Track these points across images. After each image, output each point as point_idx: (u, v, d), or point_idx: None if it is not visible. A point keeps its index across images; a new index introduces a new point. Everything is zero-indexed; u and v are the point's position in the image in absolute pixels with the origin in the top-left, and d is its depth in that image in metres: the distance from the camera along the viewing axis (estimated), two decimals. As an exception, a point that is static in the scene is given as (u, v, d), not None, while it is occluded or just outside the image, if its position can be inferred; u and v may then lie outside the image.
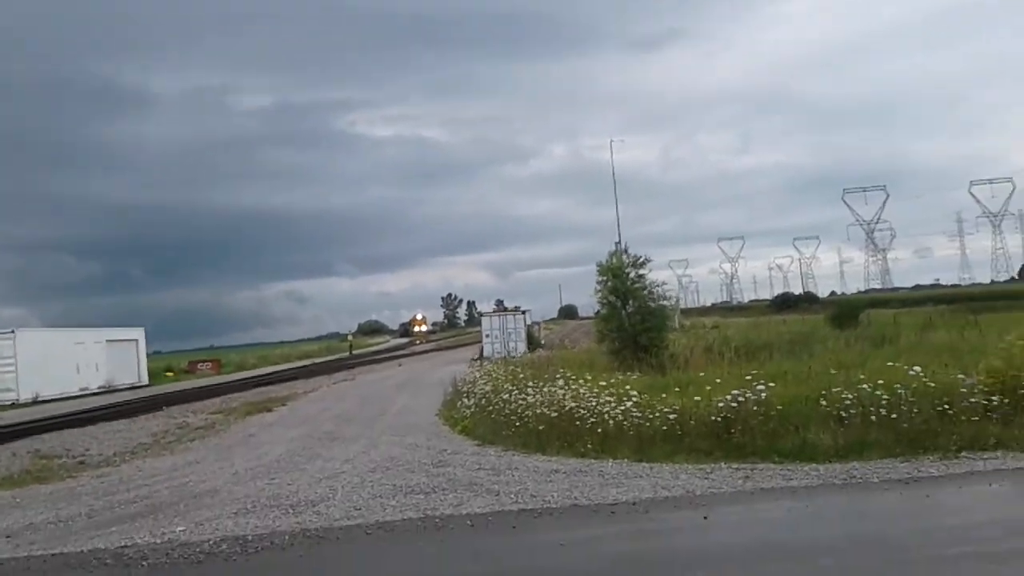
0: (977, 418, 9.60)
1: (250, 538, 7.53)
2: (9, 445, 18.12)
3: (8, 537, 8.53)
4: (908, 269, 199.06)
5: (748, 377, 11.29)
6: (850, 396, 10.28)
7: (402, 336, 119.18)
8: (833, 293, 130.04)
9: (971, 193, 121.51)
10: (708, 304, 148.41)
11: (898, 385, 10.09)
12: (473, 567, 6.68)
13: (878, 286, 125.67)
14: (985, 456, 9.00)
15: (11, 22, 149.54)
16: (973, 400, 9.76)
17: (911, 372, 10.33)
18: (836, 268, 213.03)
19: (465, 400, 17.71)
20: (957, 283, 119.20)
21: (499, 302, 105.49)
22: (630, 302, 24.90)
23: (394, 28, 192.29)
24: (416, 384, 28.77)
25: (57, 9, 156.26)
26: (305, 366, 49.98)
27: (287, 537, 7.52)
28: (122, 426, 21.37)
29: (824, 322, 39.73)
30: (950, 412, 9.71)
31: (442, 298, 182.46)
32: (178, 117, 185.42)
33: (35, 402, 32.78)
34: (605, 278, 25.44)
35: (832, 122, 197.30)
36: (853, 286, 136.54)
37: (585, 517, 7.64)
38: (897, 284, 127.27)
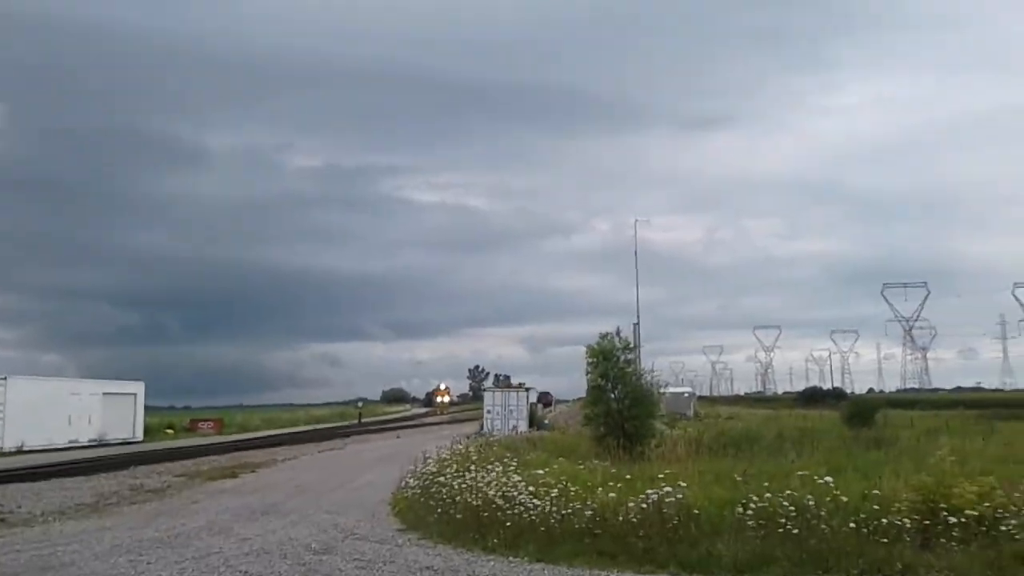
0: (887, 540, 8.43)
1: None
2: (-51, 496, 17.68)
3: None
4: (952, 370, 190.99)
5: (661, 476, 10.27)
6: (754, 505, 9.19)
7: (425, 406, 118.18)
8: (871, 390, 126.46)
9: (1014, 295, 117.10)
10: (741, 392, 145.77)
11: (809, 497, 8.98)
12: None
13: (916, 385, 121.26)
14: (882, 583, 7.88)
15: (74, 62, 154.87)
16: (886, 520, 8.59)
17: (821, 483, 9.21)
18: (875, 364, 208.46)
19: (410, 481, 16.80)
20: (1000, 387, 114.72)
21: (504, 378, 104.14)
22: (619, 387, 23.85)
23: (450, 96, 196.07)
24: (398, 458, 27.58)
25: (119, 60, 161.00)
26: (305, 431, 49.34)
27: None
28: (74, 484, 20.88)
29: (840, 420, 38.39)
30: (864, 530, 8.58)
31: (469, 370, 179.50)
32: (228, 173, 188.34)
33: (19, 451, 32.36)
34: (595, 360, 24.48)
35: (880, 215, 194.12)
36: (891, 384, 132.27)
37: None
38: (937, 385, 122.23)
